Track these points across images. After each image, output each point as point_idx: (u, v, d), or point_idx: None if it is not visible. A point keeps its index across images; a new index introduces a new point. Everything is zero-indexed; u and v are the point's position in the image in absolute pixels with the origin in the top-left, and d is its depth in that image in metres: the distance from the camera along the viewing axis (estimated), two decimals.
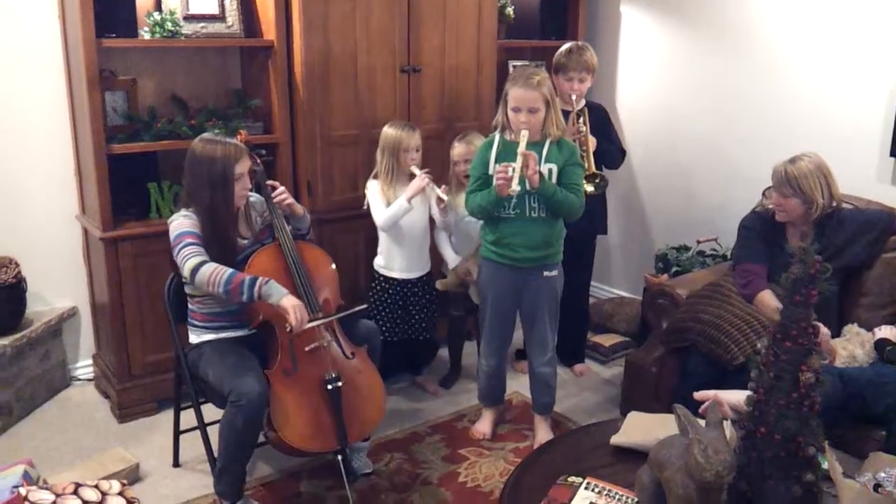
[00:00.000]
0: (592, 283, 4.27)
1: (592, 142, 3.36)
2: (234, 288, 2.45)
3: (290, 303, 2.46)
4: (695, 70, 4.00)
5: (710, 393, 1.96)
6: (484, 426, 3.23)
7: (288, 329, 2.50)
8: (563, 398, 3.48)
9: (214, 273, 2.46)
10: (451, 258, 3.47)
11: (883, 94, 3.23)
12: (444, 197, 3.25)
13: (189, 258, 2.49)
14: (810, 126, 3.48)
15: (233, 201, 2.61)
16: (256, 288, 2.45)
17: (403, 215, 3.24)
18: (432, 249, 3.51)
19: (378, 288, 3.42)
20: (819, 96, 3.47)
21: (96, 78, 3.01)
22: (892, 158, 3.23)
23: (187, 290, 2.71)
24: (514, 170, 2.69)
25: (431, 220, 3.44)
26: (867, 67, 3.28)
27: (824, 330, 2.53)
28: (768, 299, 2.75)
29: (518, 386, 3.56)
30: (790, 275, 1.65)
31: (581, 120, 3.34)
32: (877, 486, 1.69)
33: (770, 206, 2.97)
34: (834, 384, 2.25)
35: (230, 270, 2.48)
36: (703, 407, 1.95)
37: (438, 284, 3.52)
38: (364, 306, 2.89)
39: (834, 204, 2.88)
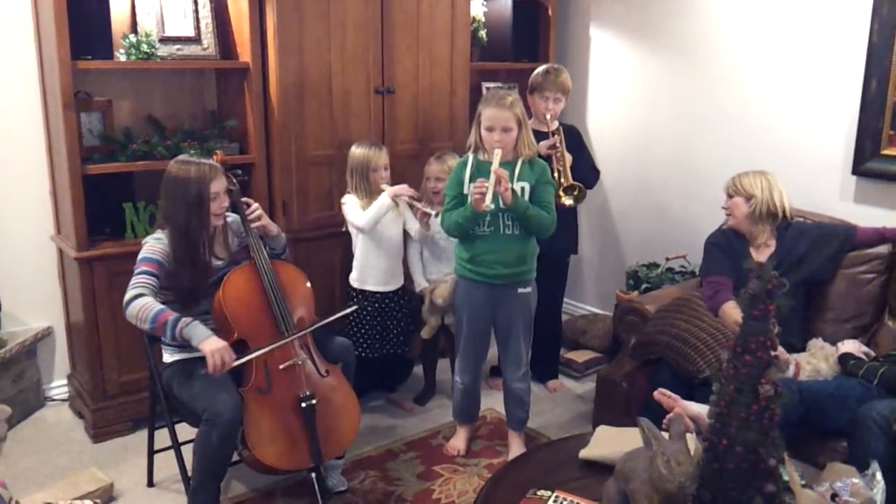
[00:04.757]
0: (566, 300, 4.32)
1: (568, 158, 3.43)
2: (158, 327, 2.46)
3: (209, 347, 2.44)
4: (663, 91, 4.09)
5: (673, 396, 2.01)
6: (458, 442, 3.25)
7: (203, 372, 2.47)
8: (537, 414, 3.52)
9: (142, 310, 2.46)
10: (420, 282, 3.52)
11: (845, 114, 3.32)
12: (431, 211, 3.28)
13: (130, 289, 2.51)
14: (775, 145, 3.57)
15: (208, 221, 2.63)
16: (178, 330, 2.45)
17: (386, 212, 3.25)
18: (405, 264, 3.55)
19: (355, 304, 3.43)
20: (783, 116, 3.56)
21: (72, 99, 3.03)
22: (854, 176, 3.31)
23: None
24: (488, 186, 2.75)
25: (405, 235, 3.48)
26: (830, 87, 3.37)
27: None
28: (731, 310, 2.82)
29: (492, 402, 3.59)
30: (748, 290, 1.70)
31: (557, 137, 3.41)
32: (834, 496, 1.74)
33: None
34: (792, 399, 2.30)
35: (157, 308, 2.46)
36: (666, 419, 1.99)
37: (423, 333, 3.54)
38: (351, 309, 2.96)
39: (780, 209, 2.99)
